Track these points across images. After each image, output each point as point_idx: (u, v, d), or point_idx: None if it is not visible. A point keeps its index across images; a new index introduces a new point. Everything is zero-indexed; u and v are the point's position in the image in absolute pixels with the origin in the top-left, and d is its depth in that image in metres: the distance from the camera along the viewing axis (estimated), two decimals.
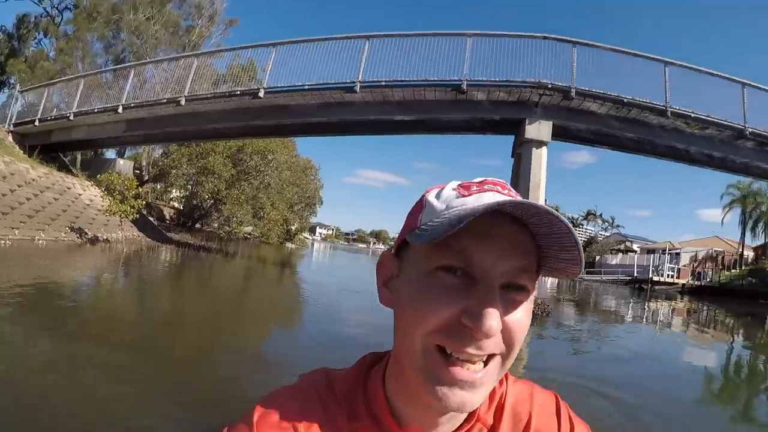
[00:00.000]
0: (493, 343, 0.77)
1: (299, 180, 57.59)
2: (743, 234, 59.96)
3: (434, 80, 17.19)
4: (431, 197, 0.86)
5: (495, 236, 0.77)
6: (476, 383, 0.77)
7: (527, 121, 17.09)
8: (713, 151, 18.18)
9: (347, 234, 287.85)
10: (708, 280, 54.04)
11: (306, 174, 62.04)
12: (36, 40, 50.88)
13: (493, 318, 0.73)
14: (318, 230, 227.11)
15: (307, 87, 18.37)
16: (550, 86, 16.86)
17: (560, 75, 17.06)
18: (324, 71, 18.47)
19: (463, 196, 0.81)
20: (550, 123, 17.27)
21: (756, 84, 18.25)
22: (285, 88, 18.86)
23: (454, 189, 0.85)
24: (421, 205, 0.87)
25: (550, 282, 50.01)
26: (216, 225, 47.12)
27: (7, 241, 17.30)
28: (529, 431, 0.94)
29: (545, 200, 17.62)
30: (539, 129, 17.19)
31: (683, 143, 17.86)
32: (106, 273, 15.83)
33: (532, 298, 0.82)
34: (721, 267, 57.24)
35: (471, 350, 0.75)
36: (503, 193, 0.81)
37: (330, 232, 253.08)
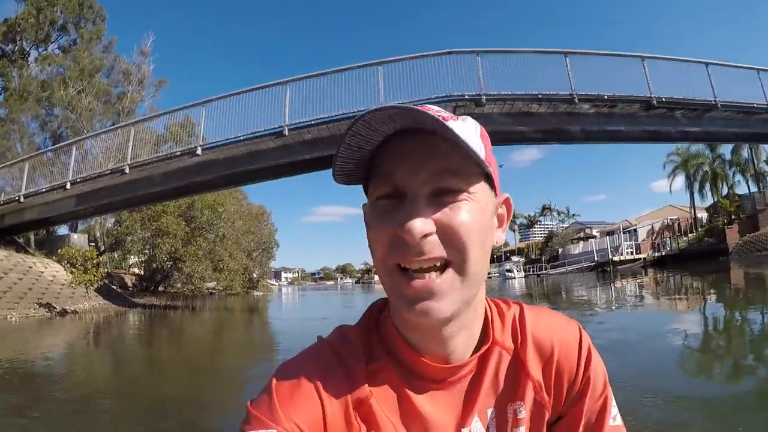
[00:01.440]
0: (435, 247, 0.84)
1: (253, 227, 58.59)
2: (692, 198, 63.35)
3: (351, 112, 18.51)
4: None
5: (408, 152, 0.86)
6: (434, 290, 0.84)
7: None
8: (628, 126, 20.04)
9: (313, 274, 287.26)
10: (668, 249, 56.92)
11: (259, 221, 63.02)
12: None
13: (415, 219, 0.81)
14: (283, 275, 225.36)
15: (241, 138, 19.68)
16: (460, 99, 18.43)
17: (470, 84, 18.61)
18: (253, 120, 19.85)
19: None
20: None
21: (655, 55, 20.31)
22: (221, 142, 20.17)
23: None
24: None
25: (518, 283, 51.83)
26: (179, 284, 47.68)
27: None
28: (553, 358, 1.02)
29: None
30: None
31: (597, 124, 19.63)
32: (83, 341, 17.08)
33: (479, 198, 0.89)
34: (678, 234, 60.29)
35: (416, 258, 0.83)
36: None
37: (295, 275, 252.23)
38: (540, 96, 18.69)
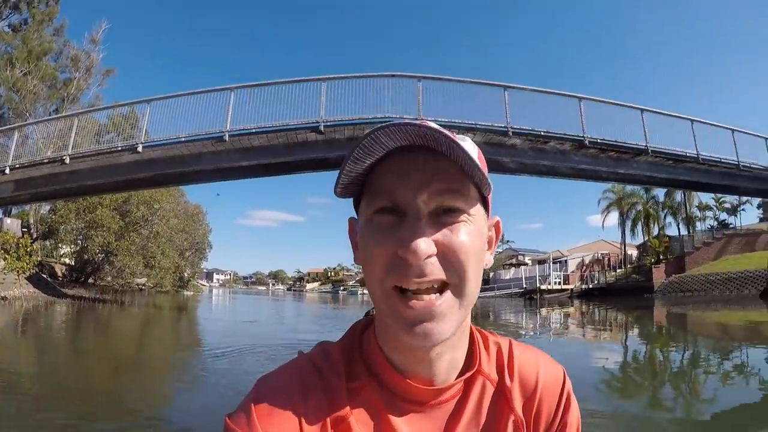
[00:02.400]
0: (436, 268, 0.84)
1: (188, 227, 59.16)
2: (623, 235, 65.64)
3: (295, 125, 19.55)
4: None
5: (412, 168, 0.85)
6: (435, 311, 0.84)
7: None
8: (560, 162, 21.04)
9: (245, 277, 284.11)
10: (596, 282, 59.11)
11: (194, 220, 63.70)
12: None
13: (418, 240, 0.81)
14: (215, 276, 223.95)
15: (182, 139, 20.06)
16: (398, 119, 19.21)
17: (410, 108, 19.52)
18: (196, 122, 20.25)
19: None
20: None
21: (592, 97, 21.49)
22: (162, 141, 20.55)
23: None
24: None
25: None
26: (109, 278, 48.17)
27: None
28: (535, 397, 1.03)
29: None
30: None
31: (529, 158, 20.59)
32: (11, 327, 17.69)
33: (476, 220, 0.90)
34: (607, 268, 62.59)
35: (416, 279, 0.83)
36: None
37: (227, 277, 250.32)
38: (477, 126, 19.57)
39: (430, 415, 0.96)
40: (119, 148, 20.93)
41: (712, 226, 64.19)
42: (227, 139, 19.57)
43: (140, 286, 53.96)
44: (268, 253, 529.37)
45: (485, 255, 0.96)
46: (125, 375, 10.67)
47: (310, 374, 0.94)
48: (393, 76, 20.07)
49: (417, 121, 0.79)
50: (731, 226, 63.89)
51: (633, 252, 67.57)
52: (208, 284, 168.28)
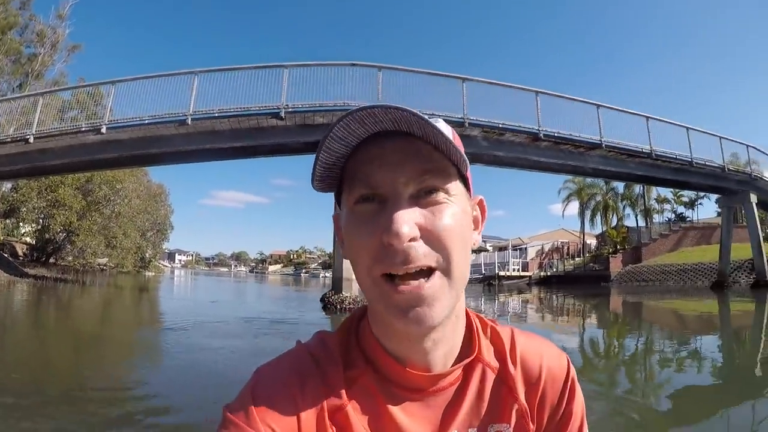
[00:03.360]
0: (421, 252, 0.83)
1: (150, 207, 59.33)
2: (582, 224, 66.86)
3: (257, 109, 20.06)
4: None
5: (387, 153, 0.85)
6: (424, 295, 0.83)
7: None
8: (516, 154, 21.83)
9: (207, 259, 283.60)
10: (554, 270, 60.75)
11: (156, 201, 63.89)
12: None
13: (400, 224, 0.80)
14: (177, 257, 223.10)
15: (146, 121, 20.37)
16: (357, 108, 19.66)
17: (370, 97, 20.06)
18: (160, 104, 20.53)
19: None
20: None
21: (549, 92, 22.46)
22: (125, 123, 20.62)
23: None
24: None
25: None
26: (71, 258, 48.02)
27: None
28: (539, 386, 1.02)
29: None
30: None
31: (486, 149, 21.23)
32: None
33: (458, 200, 0.90)
34: (566, 257, 64.03)
35: (403, 265, 0.82)
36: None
37: (190, 258, 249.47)
38: (434, 116, 19.67)
39: (429, 403, 0.96)
40: (83, 129, 20.91)
41: (669, 219, 66.11)
42: (190, 122, 19.90)
43: (101, 267, 53.99)
44: (231, 235, 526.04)
45: (471, 235, 0.98)
46: (86, 352, 11.00)
47: (307, 363, 0.95)
48: (354, 65, 20.60)
49: (386, 104, 0.79)
50: (688, 219, 65.84)
51: (592, 241, 69.28)
52: (169, 265, 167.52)
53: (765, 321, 17.78)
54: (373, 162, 0.86)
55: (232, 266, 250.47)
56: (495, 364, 1.02)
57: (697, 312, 21.41)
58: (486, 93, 21.76)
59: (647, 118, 25.17)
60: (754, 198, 30.71)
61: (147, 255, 69.55)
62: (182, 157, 23.07)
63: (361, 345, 1.00)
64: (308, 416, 0.87)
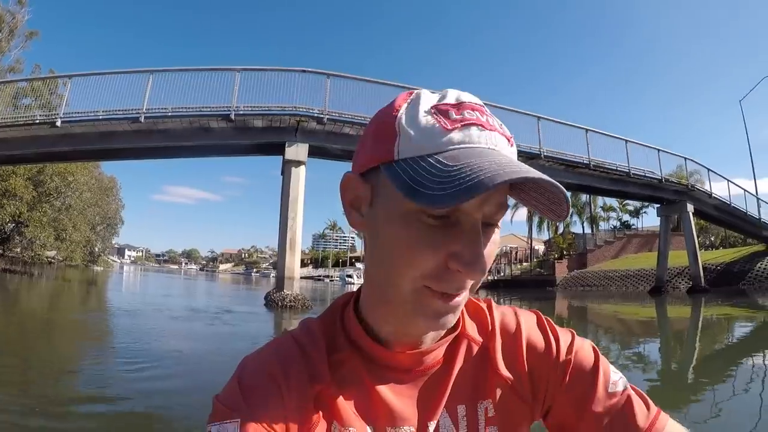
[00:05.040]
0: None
1: (101, 201, 59.45)
2: (530, 230, 69.47)
3: (208, 110, 20.78)
4: (405, 123, 0.79)
5: None
6: (459, 305, 0.84)
7: (287, 144, 20.96)
8: None
9: (158, 255, 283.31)
10: (501, 274, 62.35)
11: (108, 194, 63.96)
12: None
13: (482, 260, 0.77)
14: (127, 252, 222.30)
15: (101, 116, 20.66)
16: (305, 114, 20.70)
17: (318, 102, 21.01)
18: (114, 100, 20.97)
19: (446, 129, 0.77)
20: (307, 145, 20.90)
21: (490, 103, 22.58)
22: (80, 118, 20.77)
23: (430, 114, 0.79)
24: (394, 131, 0.81)
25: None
26: (18, 249, 47.97)
27: None
28: (521, 341, 1.00)
29: (302, 213, 21.64)
30: (297, 151, 21.08)
31: None
32: None
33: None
34: (514, 261, 66.11)
35: (460, 290, 0.81)
36: (483, 123, 0.78)
37: (139, 254, 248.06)
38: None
39: (417, 383, 0.96)
40: (38, 121, 21.08)
41: (614, 226, 69.28)
42: (143, 120, 20.39)
43: (50, 259, 53.89)
44: (183, 231, 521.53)
45: None
46: (35, 339, 11.50)
47: (291, 349, 0.94)
48: (304, 71, 21.42)
49: (535, 175, 0.69)
50: (633, 226, 69.07)
51: (540, 247, 71.64)
52: (119, 260, 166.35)
53: (700, 325, 18.63)
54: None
55: (183, 264, 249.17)
56: (478, 338, 1.02)
57: (637, 316, 22.17)
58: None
59: (586, 130, 26.60)
60: (690, 207, 32.39)
61: (96, 249, 69.52)
62: (135, 154, 23.69)
63: (345, 329, 0.99)
64: (294, 401, 0.88)
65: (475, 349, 1.00)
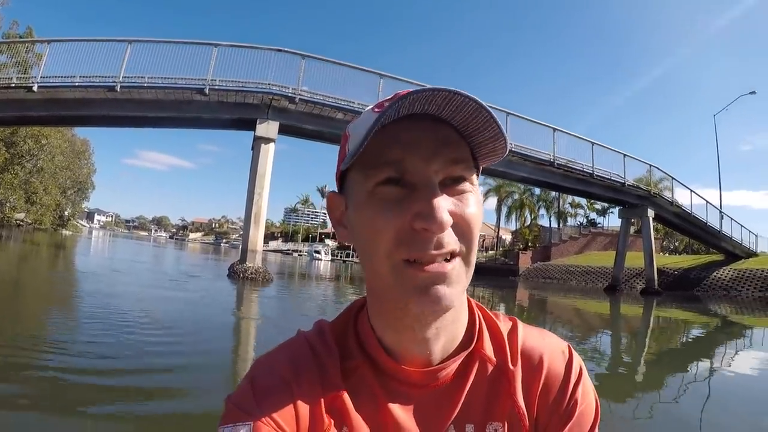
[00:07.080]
0: (452, 239, 0.83)
1: (73, 164, 59.68)
2: (498, 220, 70.69)
3: (183, 83, 21.33)
4: (351, 125, 0.90)
5: (421, 137, 0.82)
6: (448, 275, 0.82)
7: (258, 121, 21.53)
8: None
9: (128, 221, 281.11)
10: None
11: (79, 158, 63.70)
12: None
13: (441, 211, 0.79)
14: (97, 217, 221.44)
15: (77, 83, 20.86)
16: (278, 93, 21.32)
17: (293, 82, 21.64)
18: (92, 67, 21.25)
19: (375, 111, 0.82)
20: (277, 123, 21.48)
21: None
22: (57, 84, 20.99)
23: (371, 111, 0.86)
24: (346, 136, 0.91)
25: (323, 265, 55.23)
26: None
27: None
28: (542, 373, 0.98)
29: (268, 189, 22.33)
30: (268, 128, 21.69)
31: None
32: None
33: (476, 189, 0.89)
34: (481, 249, 66.49)
35: (433, 251, 0.80)
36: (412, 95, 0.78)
37: (109, 219, 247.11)
38: (349, 107, 21.88)
39: (427, 396, 0.94)
40: (13, 85, 21.08)
41: (581, 223, 71.40)
42: (119, 89, 20.72)
43: (18, 222, 53.99)
44: (154, 198, 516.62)
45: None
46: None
47: (304, 353, 0.95)
48: (280, 50, 21.98)
49: (451, 89, 0.75)
50: (599, 225, 71.01)
51: (508, 236, 73.55)
52: (88, 225, 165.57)
53: (651, 322, 19.69)
54: (404, 145, 0.83)
55: (153, 231, 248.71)
56: (494, 358, 0.99)
57: (594, 311, 23.40)
58: (398, 88, 22.59)
59: (554, 129, 27.56)
60: (651, 213, 33.71)
61: (66, 213, 69.87)
62: (109, 122, 24.13)
63: (358, 336, 0.99)
64: (305, 406, 0.88)
65: (490, 368, 0.99)
